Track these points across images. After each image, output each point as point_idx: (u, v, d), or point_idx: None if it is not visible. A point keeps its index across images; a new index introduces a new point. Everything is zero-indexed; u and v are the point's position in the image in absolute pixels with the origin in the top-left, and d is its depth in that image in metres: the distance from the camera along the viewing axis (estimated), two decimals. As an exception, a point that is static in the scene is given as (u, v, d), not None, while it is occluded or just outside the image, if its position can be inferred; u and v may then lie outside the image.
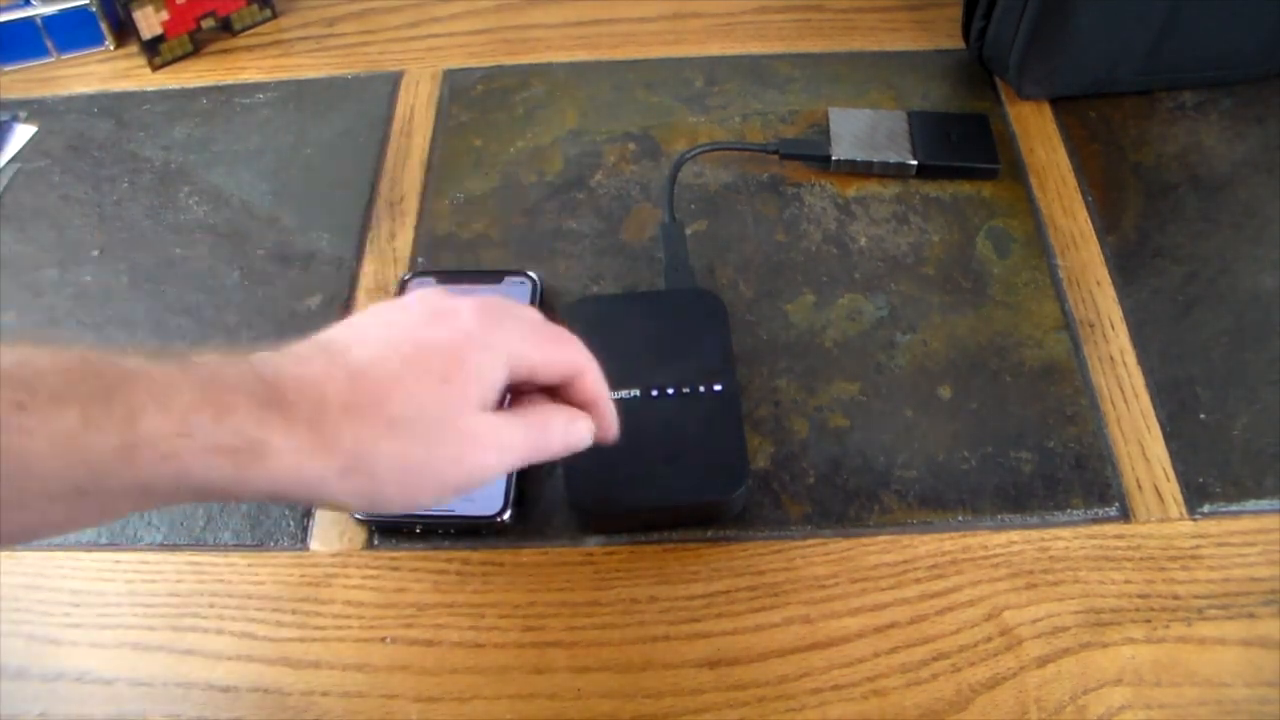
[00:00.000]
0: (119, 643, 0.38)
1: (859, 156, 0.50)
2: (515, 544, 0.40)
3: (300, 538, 0.40)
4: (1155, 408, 0.42)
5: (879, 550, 0.39)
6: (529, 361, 0.31)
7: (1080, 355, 0.44)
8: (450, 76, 0.57)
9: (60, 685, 0.37)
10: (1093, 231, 0.48)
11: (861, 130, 0.51)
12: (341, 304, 0.47)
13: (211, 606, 0.38)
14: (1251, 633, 0.36)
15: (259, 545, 0.40)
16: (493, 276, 0.46)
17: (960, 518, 0.40)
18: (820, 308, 0.46)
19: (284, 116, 0.55)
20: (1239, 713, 0.35)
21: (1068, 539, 0.39)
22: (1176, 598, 0.37)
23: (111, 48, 0.59)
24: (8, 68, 0.58)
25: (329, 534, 0.40)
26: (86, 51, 0.59)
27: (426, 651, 0.37)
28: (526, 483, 0.41)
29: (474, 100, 0.56)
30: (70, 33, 0.58)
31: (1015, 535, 0.39)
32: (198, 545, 0.40)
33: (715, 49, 0.58)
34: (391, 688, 0.36)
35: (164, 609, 0.38)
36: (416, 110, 0.55)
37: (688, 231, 0.48)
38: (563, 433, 0.32)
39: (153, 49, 0.57)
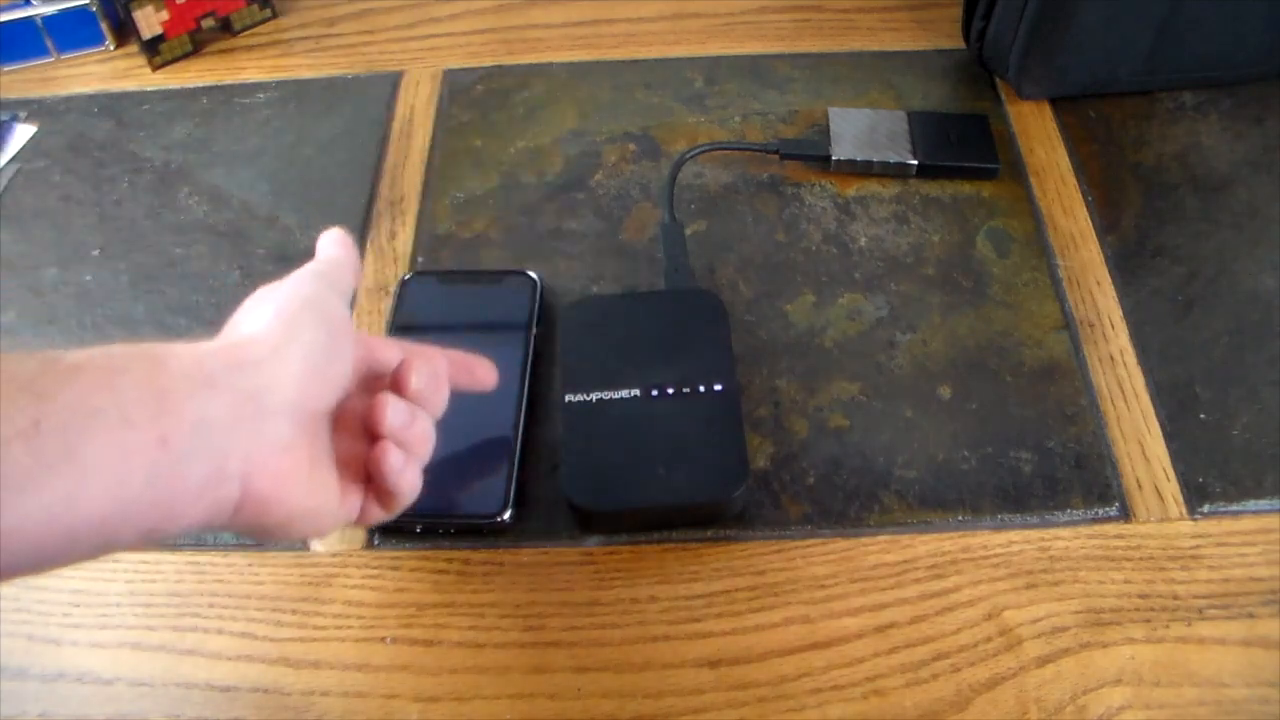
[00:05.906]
0: (119, 643, 0.38)
1: (859, 156, 0.50)
2: (515, 544, 0.40)
3: (300, 538, 0.40)
4: (1155, 408, 0.42)
5: (879, 550, 0.39)
6: None
7: (1080, 355, 0.44)
8: (450, 76, 0.57)
9: (60, 685, 0.37)
10: (1093, 231, 0.48)
11: (861, 130, 0.51)
12: (341, 304, 0.47)
13: (211, 606, 0.38)
14: (1251, 633, 0.36)
15: (259, 545, 0.40)
16: (493, 276, 0.46)
17: (960, 518, 0.40)
18: (820, 308, 0.46)
19: (284, 116, 0.55)
20: (1239, 713, 0.35)
21: (1068, 539, 0.39)
22: (1176, 598, 0.37)
23: (111, 48, 0.59)
24: (8, 68, 0.58)
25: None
26: (86, 51, 0.59)
27: (426, 651, 0.37)
28: (526, 482, 0.41)
29: (474, 100, 0.56)
30: (70, 32, 0.58)
31: (1015, 535, 0.39)
32: (198, 545, 0.40)
33: (715, 49, 0.58)
34: (391, 688, 0.36)
35: (164, 609, 0.38)
36: (416, 110, 0.55)
37: (688, 231, 0.48)
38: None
39: (153, 49, 0.57)
